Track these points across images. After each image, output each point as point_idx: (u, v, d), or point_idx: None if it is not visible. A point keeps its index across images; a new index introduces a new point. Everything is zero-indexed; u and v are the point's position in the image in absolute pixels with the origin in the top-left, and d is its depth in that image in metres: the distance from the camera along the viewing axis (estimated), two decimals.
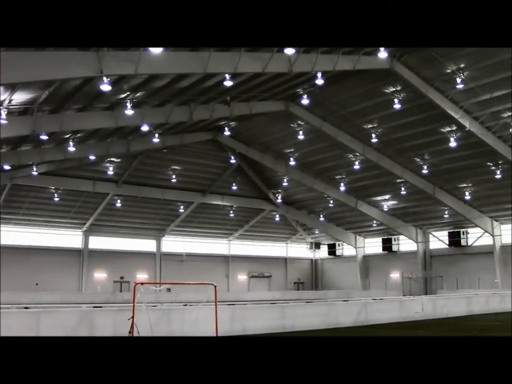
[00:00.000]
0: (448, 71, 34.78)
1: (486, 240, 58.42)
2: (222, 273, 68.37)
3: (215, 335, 13.81)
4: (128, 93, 33.43)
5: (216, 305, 14.25)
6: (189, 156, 52.68)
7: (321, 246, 76.45)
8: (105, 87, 27.66)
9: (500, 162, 44.74)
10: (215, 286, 14.37)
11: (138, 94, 34.26)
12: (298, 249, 77.49)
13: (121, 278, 60.52)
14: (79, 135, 40.60)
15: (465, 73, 34.52)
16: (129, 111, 33.72)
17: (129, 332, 13.97)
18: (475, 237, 60.09)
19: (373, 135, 43.72)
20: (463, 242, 60.68)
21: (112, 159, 49.84)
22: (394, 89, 37.80)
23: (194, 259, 65.40)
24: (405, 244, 66.59)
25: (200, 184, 59.25)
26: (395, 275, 66.95)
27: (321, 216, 66.83)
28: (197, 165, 54.76)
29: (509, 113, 38.32)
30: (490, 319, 26.37)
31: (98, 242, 60.54)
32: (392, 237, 67.22)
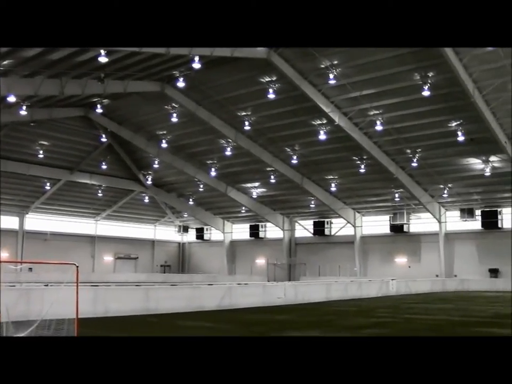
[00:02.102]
0: (322, 66, 35.83)
1: (348, 230, 61.14)
2: (88, 253, 66.67)
3: (75, 316, 13.49)
4: None
5: (77, 286, 13.90)
6: (58, 131, 50.80)
7: (189, 229, 76.54)
8: None
9: (364, 157, 46.89)
10: (77, 266, 13.99)
11: (5, 62, 32.49)
12: (166, 232, 77.18)
13: None
14: None
15: (337, 70, 35.73)
16: None
17: None
18: (338, 227, 62.68)
19: (246, 123, 44.27)
20: (326, 231, 63.20)
21: None
22: (270, 79, 38.41)
23: (59, 238, 63.26)
24: (271, 231, 68.14)
25: (68, 161, 57.36)
26: (261, 261, 68.39)
27: (190, 199, 66.92)
28: (66, 141, 52.92)
29: (375, 112, 40.20)
30: (347, 305, 27.63)
31: None
32: (260, 224, 68.57)
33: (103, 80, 37.00)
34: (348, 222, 60.40)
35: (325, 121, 42.28)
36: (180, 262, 78.34)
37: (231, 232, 72.64)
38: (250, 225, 69.41)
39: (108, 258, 69.57)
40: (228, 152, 49.81)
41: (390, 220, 57.96)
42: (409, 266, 57.41)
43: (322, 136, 42.98)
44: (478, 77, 34.01)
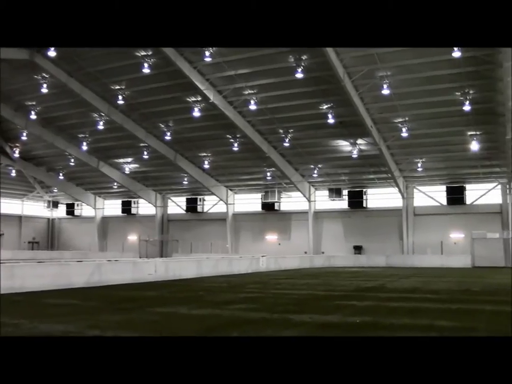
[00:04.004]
0: None
1: (220, 207, 61.88)
2: None
3: None
4: None
5: None
6: None
7: (59, 205, 74.26)
8: None
9: (238, 136, 47.53)
10: None
11: None
12: (34, 207, 74.42)
13: None
14: None
15: (213, 48, 35.73)
16: None
17: None
18: (211, 204, 63.32)
19: (120, 97, 43.46)
20: (199, 208, 63.62)
21: None
22: (145, 53, 37.78)
23: None
24: (144, 207, 67.68)
25: None
26: (133, 237, 67.77)
27: (60, 174, 64.87)
28: None
29: (250, 91, 40.79)
30: (217, 281, 27.99)
31: None
32: (132, 200, 67.85)
33: None
34: (221, 200, 61.10)
35: (199, 99, 42.36)
36: (49, 238, 75.96)
37: (103, 208, 71.38)
38: (123, 201, 68.59)
39: None
40: (100, 126, 48.73)
41: (261, 198, 59.33)
42: (280, 244, 59.09)
43: (196, 113, 43.16)
44: (348, 63, 35.45)
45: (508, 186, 49.36)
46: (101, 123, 48.40)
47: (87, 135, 53.29)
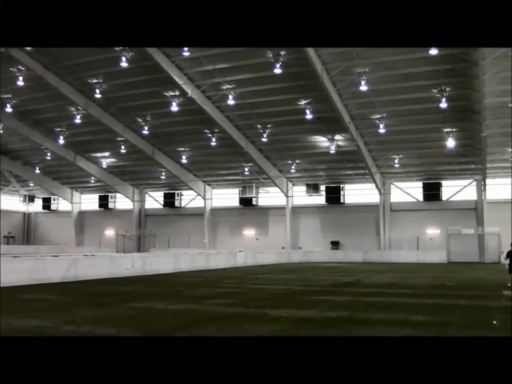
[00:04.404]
0: None
1: (198, 202, 61.79)
2: None
3: None
4: None
5: None
6: None
7: (35, 199, 73.58)
8: None
9: (216, 130, 47.47)
10: None
11: None
12: (10, 201, 73.54)
13: None
14: None
15: None
16: None
17: None
18: (188, 199, 63.24)
19: (97, 91, 43.09)
20: (177, 203, 63.48)
21: None
22: (123, 47, 37.51)
23: None
24: (121, 202, 67.39)
25: None
26: (110, 232, 67.38)
27: (37, 168, 64.22)
28: None
29: (228, 86, 40.73)
30: (195, 276, 28.03)
31: None
32: (109, 195, 67.47)
33: None
34: (198, 194, 61.01)
35: (177, 93, 42.20)
36: (25, 233, 75.24)
37: (80, 203, 70.86)
38: (100, 196, 68.16)
39: None
40: (77, 120, 48.24)
41: (239, 193, 59.41)
42: (257, 239, 59.19)
43: (174, 108, 42.93)
44: (327, 59, 35.58)
45: (482, 183, 49.84)
46: (78, 117, 47.90)
47: (63, 129, 52.76)
